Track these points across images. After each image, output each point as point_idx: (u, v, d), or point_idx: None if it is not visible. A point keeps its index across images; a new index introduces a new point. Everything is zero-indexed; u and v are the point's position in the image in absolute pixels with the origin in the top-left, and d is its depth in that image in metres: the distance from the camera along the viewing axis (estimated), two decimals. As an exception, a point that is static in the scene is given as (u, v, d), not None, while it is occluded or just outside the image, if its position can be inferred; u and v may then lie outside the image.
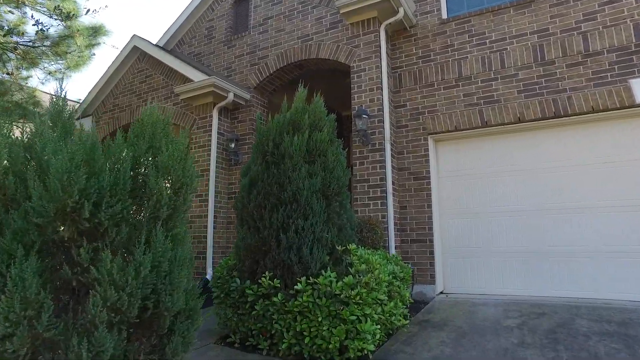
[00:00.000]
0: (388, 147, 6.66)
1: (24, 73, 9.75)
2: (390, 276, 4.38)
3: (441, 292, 6.58)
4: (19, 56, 9.15)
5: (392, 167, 6.73)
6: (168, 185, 2.56)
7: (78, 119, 9.56)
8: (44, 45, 9.10)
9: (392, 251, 6.35)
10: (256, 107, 8.22)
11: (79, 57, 8.94)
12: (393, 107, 7.14)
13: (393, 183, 6.66)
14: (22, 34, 9.06)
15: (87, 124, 9.75)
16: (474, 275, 6.45)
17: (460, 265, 6.60)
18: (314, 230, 3.93)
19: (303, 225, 3.91)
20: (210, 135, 7.81)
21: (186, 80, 8.00)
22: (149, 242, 2.23)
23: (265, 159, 4.26)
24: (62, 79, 9.24)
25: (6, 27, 8.82)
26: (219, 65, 8.88)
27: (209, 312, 4.58)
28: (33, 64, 9.33)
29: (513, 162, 6.37)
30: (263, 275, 3.96)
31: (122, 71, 9.55)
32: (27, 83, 9.55)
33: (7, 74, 8.70)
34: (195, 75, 7.81)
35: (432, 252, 6.57)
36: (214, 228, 7.57)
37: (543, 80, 6.06)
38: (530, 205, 6.13)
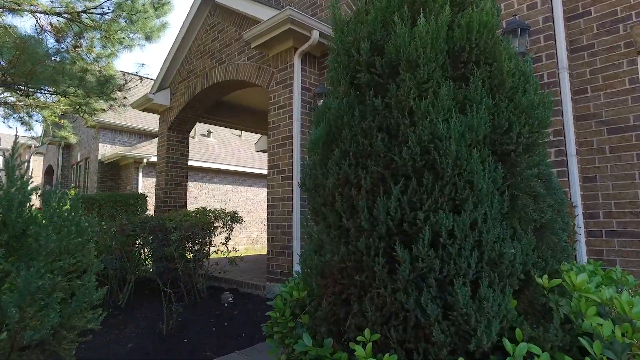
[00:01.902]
0: (565, 79, 3.88)
1: (108, 50, 8.63)
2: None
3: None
4: (91, 28, 7.97)
5: (572, 113, 3.95)
6: None
7: (154, 93, 8.13)
8: (111, 11, 7.78)
9: (582, 253, 3.66)
10: (350, 51, 5.90)
11: (146, 18, 7.46)
12: (565, 18, 4.27)
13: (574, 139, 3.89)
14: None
15: (161, 98, 8.32)
16: None
17: None
18: (482, 238, 1.53)
19: (452, 226, 1.54)
20: (291, 92, 5.70)
21: (258, 23, 5.96)
22: None
23: (353, 82, 1.93)
24: (131, 46, 7.86)
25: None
26: (300, 3, 6.70)
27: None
28: (109, 39, 8.11)
29: None
30: (359, 334, 1.70)
31: (195, 32, 7.88)
32: (100, 58, 8.39)
33: (75, 46, 7.51)
34: (267, 13, 5.72)
35: (652, 253, 3.71)
36: (301, 214, 5.52)
37: None
38: None
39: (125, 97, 7.51)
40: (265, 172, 15.36)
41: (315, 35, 5.48)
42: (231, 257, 5.27)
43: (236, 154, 15.74)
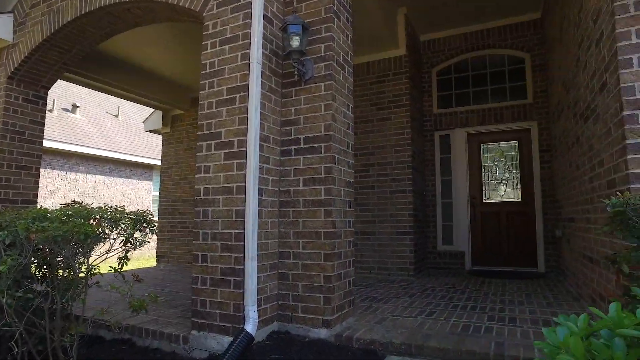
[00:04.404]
0: None
1: None
2: None
3: None
4: None
5: None
6: None
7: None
8: None
9: None
10: (335, -26, 3.78)
11: None
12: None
13: None
14: None
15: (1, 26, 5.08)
16: None
17: None
18: None
19: None
20: (247, 17, 3.36)
21: None
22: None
23: None
24: None
25: None
26: None
27: None
28: None
29: None
30: None
31: None
32: None
33: None
34: None
35: None
36: (258, 216, 3.22)
37: None
38: None
39: None
40: (152, 161, 12.11)
41: None
42: (132, 302, 2.70)
43: (111, 137, 12.10)
